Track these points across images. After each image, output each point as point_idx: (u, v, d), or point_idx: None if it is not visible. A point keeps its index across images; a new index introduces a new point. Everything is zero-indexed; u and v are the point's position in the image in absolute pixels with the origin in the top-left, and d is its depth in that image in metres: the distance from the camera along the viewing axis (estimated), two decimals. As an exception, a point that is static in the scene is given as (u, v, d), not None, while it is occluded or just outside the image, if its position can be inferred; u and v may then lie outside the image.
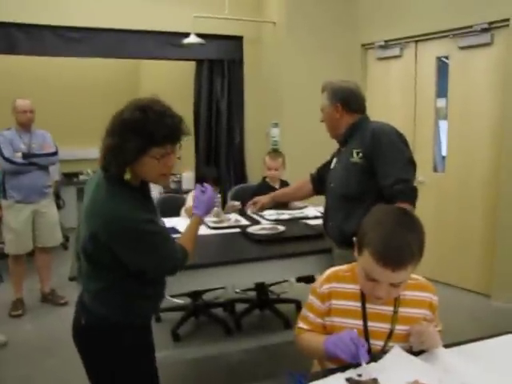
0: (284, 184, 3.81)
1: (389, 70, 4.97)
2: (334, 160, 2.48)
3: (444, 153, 4.61)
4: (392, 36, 4.79)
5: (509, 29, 3.97)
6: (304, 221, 3.14)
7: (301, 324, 1.48)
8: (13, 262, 3.89)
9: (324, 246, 2.55)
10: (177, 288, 2.39)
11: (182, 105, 5.92)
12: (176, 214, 3.52)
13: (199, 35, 4.77)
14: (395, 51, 4.82)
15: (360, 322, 1.37)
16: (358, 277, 1.38)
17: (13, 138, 3.74)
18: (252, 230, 2.85)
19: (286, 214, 3.34)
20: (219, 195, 3.71)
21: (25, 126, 3.80)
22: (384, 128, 2.22)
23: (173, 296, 3.55)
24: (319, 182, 2.70)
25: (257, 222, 3.11)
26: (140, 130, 1.48)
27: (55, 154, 3.93)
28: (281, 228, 2.84)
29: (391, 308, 1.38)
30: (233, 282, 2.67)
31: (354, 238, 1.37)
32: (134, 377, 1.67)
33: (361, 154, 2.17)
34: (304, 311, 1.49)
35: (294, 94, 5.11)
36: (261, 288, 3.73)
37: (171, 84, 5.85)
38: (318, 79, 5.27)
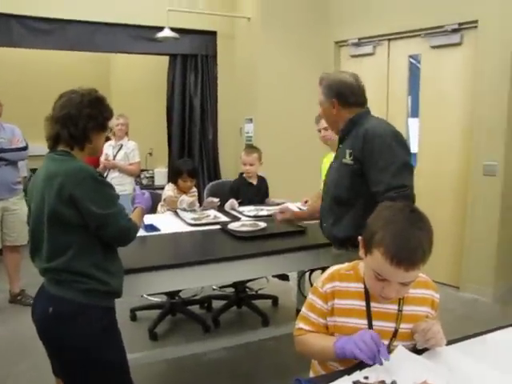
0: (261, 180, 3.81)
1: (362, 67, 5.02)
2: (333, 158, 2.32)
3: (415, 149, 4.71)
4: (365, 34, 4.86)
5: (477, 30, 4.09)
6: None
7: (301, 324, 1.43)
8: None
9: (307, 242, 2.56)
10: (158, 287, 2.35)
11: (155, 100, 5.90)
12: (153, 210, 3.47)
13: (173, 29, 4.70)
14: (368, 49, 4.89)
15: (364, 322, 1.36)
16: (360, 275, 1.38)
17: (-20, 133, 3.59)
18: (233, 226, 2.82)
19: (264, 210, 3.33)
20: (195, 189, 3.71)
21: (-9, 121, 3.66)
22: (377, 129, 2.01)
23: (149, 295, 3.50)
24: None
25: (236, 219, 3.09)
26: (103, 105, 1.82)
27: (25, 148, 3.79)
28: (262, 225, 2.83)
29: (395, 306, 1.37)
30: (215, 280, 2.63)
31: (359, 238, 1.36)
32: (107, 359, 1.70)
33: (352, 156, 2.02)
34: (304, 311, 1.44)
35: (268, 90, 5.11)
36: (238, 284, 3.71)
37: (143, 78, 5.77)
38: (292, 75, 5.37)
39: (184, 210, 3.24)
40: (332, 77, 2.22)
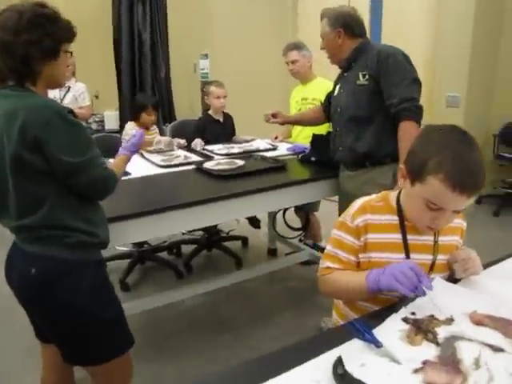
0: (227, 116, 3.60)
1: (322, 2, 4.78)
2: (337, 86, 2.44)
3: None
4: (325, -40, 4.58)
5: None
6: (258, 153, 2.98)
7: (328, 263, 1.31)
8: None
9: (292, 177, 2.44)
10: (136, 235, 2.11)
11: (98, 37, 5.37)
12: (114, 154, 3.19)
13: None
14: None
15: (402, 256, 1.26)
16: (392, 206, 1.28)
17: None
18: (208, 165, 2.63)
19: (236, 148, 3.16)
20: (155, 126, 3.46)
21: None
22: (389, 49, 2.22)
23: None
24: (329, 110, 2.65)
25: (209, 158, 2.89)
26: (53, 24, 1.41)
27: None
28: (239, 162, 2.66)
29: (431, 237, 1.29)
30: (199, 224, 2.41)
31: (400, 166, 1.23)
32: (105, 317, 1.51)
33: (367, 76, 2.20)
34: (330, 249, 1.32)
35: (224, 23, 4.80)
36: (211, 228, 3.57)
37: (84, 13, 5.20)
38: (249, 6, 5.04)
39: (160, 150, 2.99)
40: (337, 10, 2.38)
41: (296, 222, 3.62)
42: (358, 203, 1.32)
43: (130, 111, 3.52)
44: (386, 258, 1.25)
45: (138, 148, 1.80)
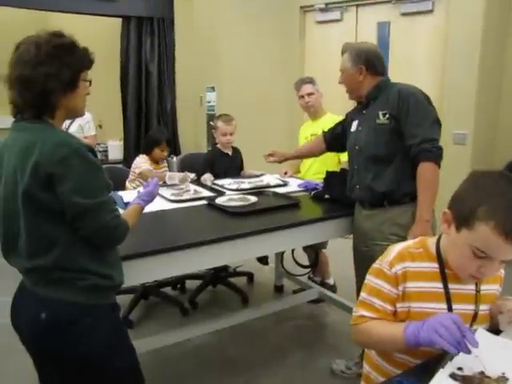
0: (235, 150, 3.57)
1: (328, 34, 4.87)
2: (356, 123, 2.39)
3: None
4: (333, -1, 4.68)
5: (449, -3, 4.03)
6: (270, 189, 2.94)
7: (362, 311, 1.24)
8: None
9: (307, 216, 2.40)
10: (147, 275, 2.01)
11: (106, 68, 5.40)
12: (121, 187, 3.16)
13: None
14: (335, 15, 4.72)
15: (444, 306, 1.20)
16: (431, 253, 1.22)
17: None
18: (221, 201, 2.58)
19: (246, 183, 3.11)
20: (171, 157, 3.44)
21: None
22: (410, 88, 2.21)
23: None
24: (332, 140, 2.71)
25: (220, 193, 2.85)
26: (71, 54, 1.37)
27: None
28: (253, 199, 2.61)
29: (473, 287, 1.23)
30: (212, 263, 2.31)
31: (445, 211, 1.18)
32: (119, 365, 1.42)
33: (387, 115, 2.17)
34: (366, 297, 1.26)
35: (231, 56, 4.82)
36: (217, 263, 3.49)
37: (92, 44, 5.21)
38: (256, 40, 5.09)
39: (174, 185, 2.93)
40: (360, 45, 2.36)
41: (303, 257, 3.55)
42: (395, 249, 1.26)
43: (143, 144, 3.50)
44: (426, 308, 1.19)
45: (153, 197, 1.70)
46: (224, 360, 2.75)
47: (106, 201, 1.35)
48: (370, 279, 1.26)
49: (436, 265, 1.22)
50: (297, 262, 3.45)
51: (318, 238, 2.57)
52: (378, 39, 4.53)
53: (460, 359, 1.08)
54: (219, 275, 3.58)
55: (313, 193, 2.81)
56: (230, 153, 3.49)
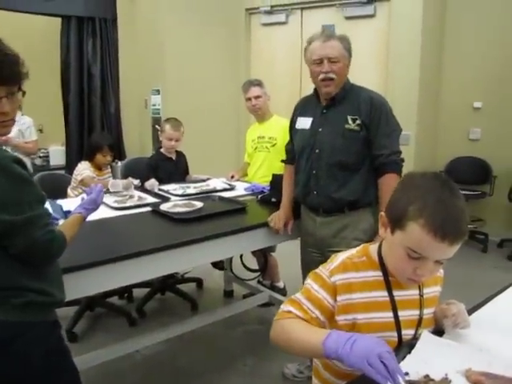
0: (180, 154, 3.50)
1: (274, 36, 4.88)
2: (310, 120, 2.23)
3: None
4: (278, 1, 4.68)
5: (390, 3, 4.14)
6: (216, 194, 2.89)
7: (290, 307, 1.17)
8: None
9: (256, 220, 2.38)
10: (88, 287, 1.89)
11: (47, 69, 5.18)
12: (63, 195, 3.03)
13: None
14: (281, 17, 4.74)
15: (389, 314, 1.18)
16: (374, 261, 1.20)
17: None
18: (166, 207, 2.51)
19: (192, 188, 3.05)
20: (108, 168, 3.32)
21: None
22: (381, 98, 2.17)
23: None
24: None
25: (165, 199, 2.77)
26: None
27: None
28: (198, 204, 2.56)
29: (416, 292, 1.22)
30: (158, 272, 2.21)
31: (381, 214, 1.16)
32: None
33: (358, 122, 2.09)
34: (298, 296, 1.20)
35: (176, 59, 4.74)
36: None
37: (30, 45, 4.99)
38: (201, 42, 5.03)
39: (116, 193, 2.83)
40: (346, 36, 2.28)
41: (252, 261, 3.53)
42: (339, 258, 1.22)
43: (85, 150, 3.37)
44: (373, 318, 1.17)
45: (97, 205, 1.63)
46: (175, 370, 2.67)
47: (37, 215, 1.26)
48: (307, 282, 1.22)
49: (379, 273, 1.19)
50: (245, 267, 3.43)
51: (266, 242, 2.54)
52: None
53: (406, 363, 1.08)
54: (167, 282, 3.50)
55: (260, 196, 2.79)
56: (173, 157, 3.42)
